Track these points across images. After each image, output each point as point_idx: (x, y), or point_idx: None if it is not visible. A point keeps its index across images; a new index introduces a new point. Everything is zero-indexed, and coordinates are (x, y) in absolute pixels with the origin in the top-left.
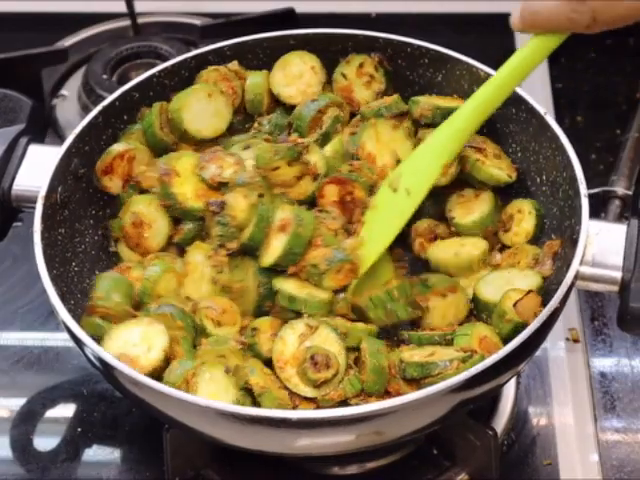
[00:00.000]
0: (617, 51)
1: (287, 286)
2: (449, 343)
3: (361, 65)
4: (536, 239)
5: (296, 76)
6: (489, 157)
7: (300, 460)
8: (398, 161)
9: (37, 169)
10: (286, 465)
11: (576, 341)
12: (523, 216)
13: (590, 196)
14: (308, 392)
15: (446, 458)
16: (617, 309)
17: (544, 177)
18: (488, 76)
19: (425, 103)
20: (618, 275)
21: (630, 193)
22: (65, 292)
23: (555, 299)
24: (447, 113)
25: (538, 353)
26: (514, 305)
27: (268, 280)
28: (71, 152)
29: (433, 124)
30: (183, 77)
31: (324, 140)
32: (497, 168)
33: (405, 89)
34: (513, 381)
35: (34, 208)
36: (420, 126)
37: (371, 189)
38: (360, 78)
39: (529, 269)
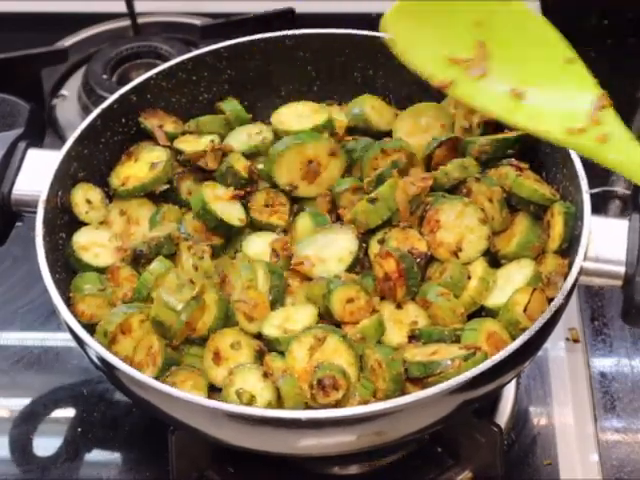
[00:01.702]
0: (617, 51)
1: (268, 328)
2: (458, 339)
3: None
4: (569, 240)
5: (423, 128)
6: (530, 177)
7: (302, 460)
8: (459, 249)
9: (36, 173)
10: (288, 465)
11: (576, 341)
12: (555, 220)
13: (590, 196)
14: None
15: (450, 456)
16: (622, 303)
17: (544, 174)
18: None
19: (482, 139)
20: (621, 270)
21: (630, 193)
22: (67, 295)
23: (560, 296)
24: (506, 144)
25: (538, 353)
26: (524, 310)
27: (280, 282)
28: (70, 156)
29: (495, 158)
30: (181, 79)
31: (377, 183)
32: (539, 185)
33: (402, 88)
34: (513, 381)
35: (34, 213)
36: (481, 163)
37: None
38: None
39: (523, 259)
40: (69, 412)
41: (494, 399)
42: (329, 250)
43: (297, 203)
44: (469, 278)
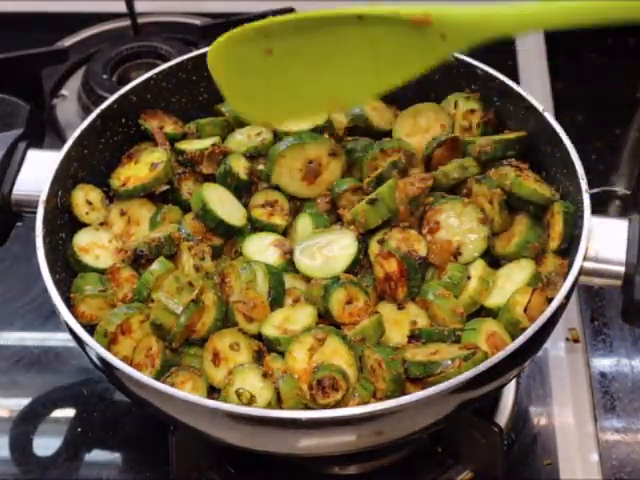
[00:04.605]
0: (617, 51)
1: (268, 328)
2: (458, 339)
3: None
4: (569, 240)
5: (423, 128)
6: (529, 177)
7: (302, 460)
8: (459, 253)
9: (36, 174)
10: (288, 465)
11: (576, 341)
12: (555, 220)
13: (590, 196)
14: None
15: (450, 456)
16: (622, 303)
17: (544, 174)
18: (486, 74)
19: (482, 139)
20: (621, 270)
21: (629, 193)
22: (67, 295)
23: (560, 296)
24: (506, 145)
25: (538, 353)
26: (524, 310)
27: (279, 283)
28: (70, 156)
29: (494, 159)
30: (181, 79)
31: (377, 183)
32: (539, 185)
33: (402, 88)
34: (513, 381)
35: (34, 213)
36: (481, 163)
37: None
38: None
39: (523, 260)
40: (69, 412)
41: (494, 399)
42: (329, 251)
43: (297, 203)
44: (469, 278)
